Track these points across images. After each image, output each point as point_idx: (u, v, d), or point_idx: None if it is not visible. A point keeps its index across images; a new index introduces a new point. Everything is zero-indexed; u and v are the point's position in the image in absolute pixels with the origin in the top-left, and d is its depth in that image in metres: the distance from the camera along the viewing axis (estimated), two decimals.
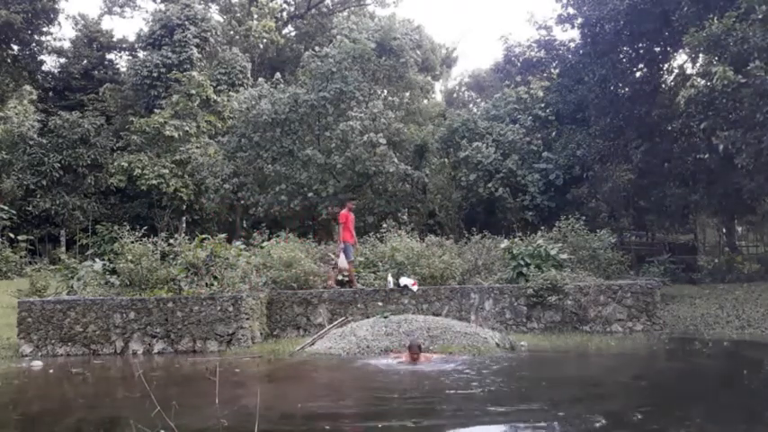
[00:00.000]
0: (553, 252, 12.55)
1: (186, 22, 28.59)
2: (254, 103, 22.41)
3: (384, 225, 15.42)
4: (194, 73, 26.85)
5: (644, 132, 17.93)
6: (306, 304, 11.90)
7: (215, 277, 11.63)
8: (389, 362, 9.23)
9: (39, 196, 25.77)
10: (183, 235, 15.72)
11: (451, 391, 7.57)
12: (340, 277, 12.49)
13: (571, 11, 19.19)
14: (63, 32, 61.65)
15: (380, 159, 20.17)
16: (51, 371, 9.55)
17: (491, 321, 11.68)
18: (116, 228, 14.56)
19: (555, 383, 8.09)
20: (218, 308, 10.76)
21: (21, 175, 25.46)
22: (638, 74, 18.71)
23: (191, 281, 11.61)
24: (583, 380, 8.38)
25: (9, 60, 26.98)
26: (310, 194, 20.74)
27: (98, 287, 12.21)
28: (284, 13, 38.89)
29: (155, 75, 27.62)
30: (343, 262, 12.18)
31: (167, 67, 27.52)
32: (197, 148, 25.53)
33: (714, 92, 13.81)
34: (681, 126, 16.78)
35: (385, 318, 10.95)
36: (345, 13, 36.31)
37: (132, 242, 12.50)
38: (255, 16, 34.95)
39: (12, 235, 21.96)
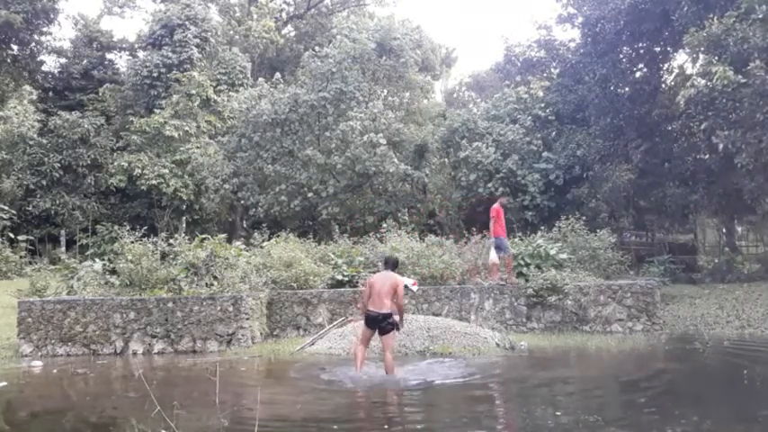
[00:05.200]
0: (553, 252, 12.55)
1: (186, 22, 28.60)
2: (254, 103, 22.42)
3: (384, 225, 15.41)
4: (194, 73, 26.87)
5: (644, 132, 17.94)
6: (306, 304, 11.90)
7: (215, 277, 11.63)
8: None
9: (39, 196, 25.79)
10: (183, 235, 15.71)
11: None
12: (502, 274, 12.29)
13: (571, 10, 19.23)
14: (63, 32, 61.69)
15: (380, 159, 20.16)
16: (52, 371, 9.54)
17: (491, 321, 11.68)
18: (116, 228, 14.56)
19: (554, 383, 8.09)
20: (218, 308, 10.76)
21: (21, 175, 25.48)
22: (638, 74, 18.74)
23: (191, 281, 11.62)
24: (582, 380, 8.37)
25: (9, 60, 26.94)
26: (310, 194, 20.75)
27: (98, 287, 12.18)
28: (284, 14, 38.89)
29: (155, 75, 27.64)
30: (494, 257, 12.14)
31: (167, 67, 27.54)
32: (197, 148, 25.55)
33: (714, 92, 13.82)
34: (681, 126, 16.79)
35: None
36: (345, 13, 36.33)
37: (132, 242, 12.47)
38: (255, 16, 34.95)
39: (12, 235, 21.97)
